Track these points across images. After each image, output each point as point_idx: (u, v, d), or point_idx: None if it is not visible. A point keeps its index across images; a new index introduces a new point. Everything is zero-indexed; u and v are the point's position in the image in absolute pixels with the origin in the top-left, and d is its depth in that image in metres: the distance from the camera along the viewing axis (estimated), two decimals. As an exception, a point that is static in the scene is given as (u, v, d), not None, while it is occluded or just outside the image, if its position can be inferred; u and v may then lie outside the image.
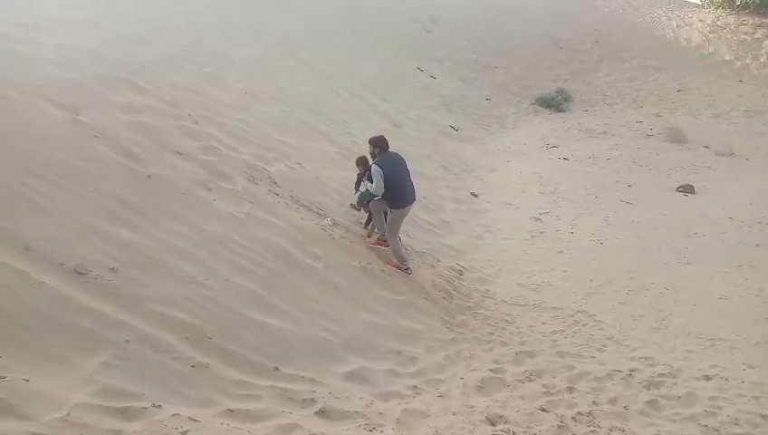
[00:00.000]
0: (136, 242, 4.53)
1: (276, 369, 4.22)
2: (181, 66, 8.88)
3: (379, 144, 6.90)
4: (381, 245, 7.10)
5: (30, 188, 4.35)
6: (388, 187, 6.67)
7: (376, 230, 7.21)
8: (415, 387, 4.83)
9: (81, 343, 3.48)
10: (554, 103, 20.04)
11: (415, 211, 9.18)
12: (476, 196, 11.58)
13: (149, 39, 9.30)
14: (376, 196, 6.72)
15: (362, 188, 7.01)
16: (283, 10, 16.88)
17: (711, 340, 6.59)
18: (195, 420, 3.32)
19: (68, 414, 2.94)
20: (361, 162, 7.54)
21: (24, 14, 7.62)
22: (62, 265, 3.87)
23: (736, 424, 4.95)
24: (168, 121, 6.73)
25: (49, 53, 6.67)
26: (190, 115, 7.19)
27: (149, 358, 3.65)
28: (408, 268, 7.02)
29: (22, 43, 6.61)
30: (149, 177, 5.44)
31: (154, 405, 3.29)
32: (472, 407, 4.61)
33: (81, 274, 3.90)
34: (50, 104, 5.56)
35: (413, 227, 8.59)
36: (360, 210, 7.50)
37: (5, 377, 2.95)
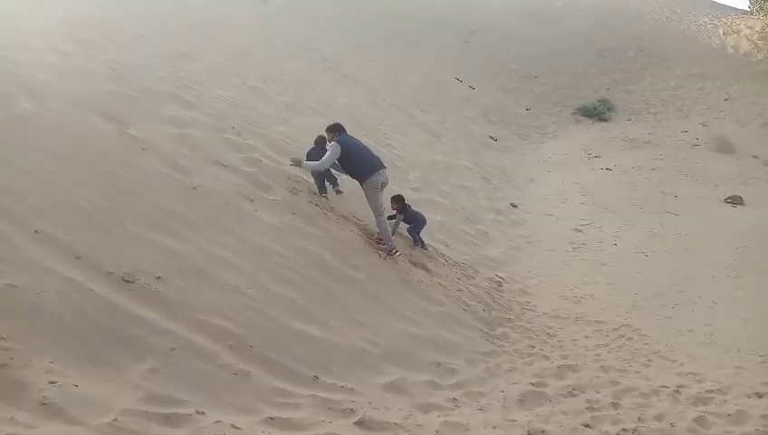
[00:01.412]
0: (181, 251, 4.64)
1: (316, 378, 4.25)
2: (225, 80, 9.10)
3: (336, 129, 6.94)
4: (386, 249, 6.86)
5: (82, 199, 4.51)
6: (348, 159, 6.72)
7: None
8: (454, 399, 4.78)
9: (128, 349, 3.57)
10: (597, 113, 19.74)
11: (454, 222, 9.17)
12: (516, 206, 11.47)
13: (196, 53, 9.56)
14: (322, 166, 6.73)
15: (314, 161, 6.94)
16: (327, 26, 17.15)
17: (762, 356, 6.34)
18: (237, 427, 3.37)
19: (115, 419, 3.01)
20: (320, 141, 7.36)
21: (80, 30, 7.94)
22: (111, 273, 3.99)
23: (791, 445, 4.74)
24: (212, 134, 6.90)
25: (101, 68, 6.93)
26: (233, 128, 7.35)
27: (193, 365, 3.72)
28: (393, 249, 6.87)
29: (76, 58, 6.89)
30: (195, 188, 5.57)
31: (198, 412, 3.35)
32: (513, 421, 4.54)
33: (128, 282, 4.01)
34: (101, 117, 5.77)
35: (452, 238, 8.56)
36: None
37: (56, 382, 3.05)
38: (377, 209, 6.85)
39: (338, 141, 6.74)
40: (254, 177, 6.50)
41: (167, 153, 5.85)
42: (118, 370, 3.42)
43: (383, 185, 6.93)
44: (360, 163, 6.80)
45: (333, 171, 7.26)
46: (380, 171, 6.84)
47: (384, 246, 6.84)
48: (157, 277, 4.20)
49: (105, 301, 3.75)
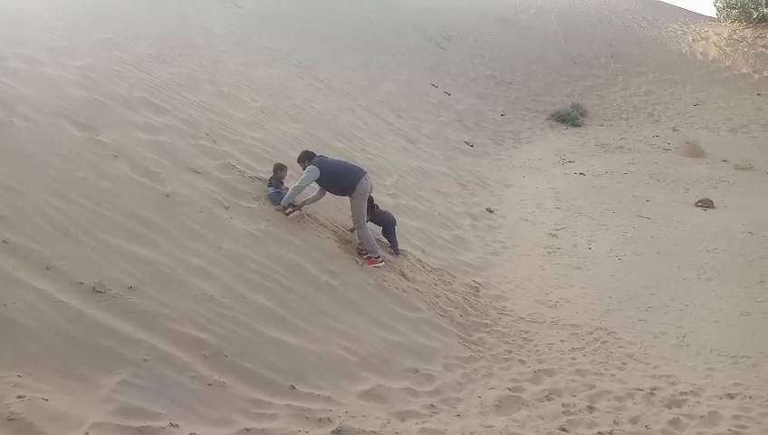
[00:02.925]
0: (154, 260, 4.57)
1: (293, 387, 4.21)
2: (199, 86, 9.01)
3: (306, 156, 6.90)
4: (375, 263, 6.86)
5: (52, 208, 4.42)
6: (331, 176, 6.69)
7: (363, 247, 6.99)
8: (432, 406, 4.78)
9: (99, 361, 3.50)
10: (570, 118, 20.01)
11: (431, 227, 9.19)
12: (492, 211, 11.54)
13: (169, 59, 9.46)
14: (297, 190, 6.58)
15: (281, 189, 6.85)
16: (302, 32, 17.10)
17: (733, 357, 6.46)
18: (212, 439, 3.32)
19: (86, 434, 2.95)
20: (279, 168, 7.08)
21: (55, 37, 7.79)
22: (82, 283, 3.92)
23: (762, 444, 4.83)
24: (185, 140, 6.82)
25: (72, 75, 6.82)
26: (207, 134, 7.28)
27: (167, 376, 3.66)
28: (378, 256, 6.88)
29: (47, 66, 6.76)
30: (168, 195, 5.50)
31: (171, 424, 3.29)
32: (490, 426, 4.56)
33: (99, 292, 3.94)
34: (71, 124, 5.67)
35: (429, 244, 8.58)
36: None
37: (25, 396, 2.98)
38: (361, 219, 6.83)
39: (314, 164, 6.69)
40: (228, 184, 6.44)
41: (139, 160, 5.77)
42: (89, 382, 3.35)
43: (371, 188, 6.93)
44: (345, 175, 6.77)
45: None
46: (365, 176, 6.84)
47: (366, 256, 6.83)
48: (129, 287, 4.13)
49: (75, 312, 3.68)
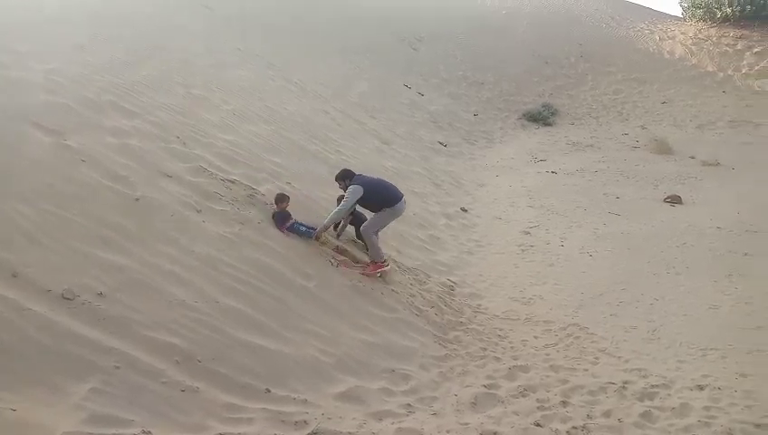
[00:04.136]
0: (124, 266, 4.51)
1: (268, 391, 4.19)
2: (169, 88, 8.90)
3: (347, 175, 7.12)
4: (381, 268, 6.98)
5: (18, 214, 4.33)
6: (373, 195, 6.91)
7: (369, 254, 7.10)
8: (408, 405, 4.80)
9: (69, 369, 3.44)
10: (541, 118, 20.24)
11: (406, 228, 9.21)
12: (466, 211, 11.62)
13: (138, 62, 9.32)
14: (342, 213, 6.89)
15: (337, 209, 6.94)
16: (273, 33, 17.01)
17: (703, 350, 6.60)
18: (186, 445, 3.29)
19: (56, 443, 2.90)
20: (281, 199, 6.88)
21: (17, 39, 7.63)
22: (50, 291, 3.85)
23: (730, 434, 4.95)
24: (156, 144, 6.73)
25: (38, 78, 6.68)
26: (178, 137, 7.20)
27: (139, 383, 3.61)
28: (385, 261, 7.03)
29: (12, 69, 6.62)
30: (138, 200, 5.43)
31: (144, 431, 3.25)
32: (466, 424, 4.59)
33: (68, 299, 3.87)
34: (38, 129, 5.55)
35: (404, 244, 8.60)
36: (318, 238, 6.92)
37: (-8, 407, 2.92)
38: (374, 228, 7.02)
39: (355, 183, 6.89)
40: (200, 187, 6.38)
41: (108, 164, 5.68)
42: (59, 391, 3.29)
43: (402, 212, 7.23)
44: (386, 192, 7.06)
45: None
46: (404, 199, 7.15)
47: (378, 268, 6.94)
48: (98, 294, 4.07)
49: (44, 320, 3.62)
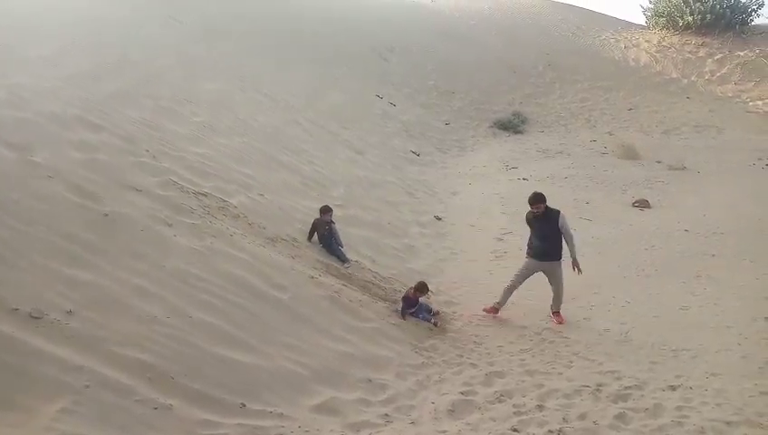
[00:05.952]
0: (93, 282, 4.42)
1: (243, 406, 4.14)
2: (137, 101, 8.79)
3: (544, 198, 7.55)
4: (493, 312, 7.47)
5: (-20, 232, 4.22)
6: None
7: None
8: (386, 415, 4.78)
9: (38, 390, 3.36)
10: (511, 126, 20.48)
11: (380, 237, 9.22)
12: (440, 219, 11.67)
13: (106, 75, 9.19)
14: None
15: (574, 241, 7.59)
16: (243, 45, 16.92)
17: (674, 350, 6.71)
18: (159, 463, 3.23)
19: (25, 466, 2.82)
20: (325, 209, 7.61)
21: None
22: (17, 309, 3.75)
23: (702, 433, 5.02)
24: (124, 158, 6.64)
25: (1, 93, 6.54)
26: (147, 151, 7.11)
27: (110, 402, 3.54)
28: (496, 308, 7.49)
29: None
30: (106, 215, 5.34)
31: (116, 451, 3.18)
32: (444, 432, 4.59)
33: (36, 318, 3.78)
34: (2, 145, 5.43)
35: (378, 253, 8.60)
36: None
37: (-44, 431, 2.83)
38: (520, 278, 7.58)
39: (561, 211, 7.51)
40: (171, 201, 6.30)
41: (74, 179, 5.58)
42: (27, 412, 3.21)
43: None
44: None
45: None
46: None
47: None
48: (67, 311, 3.98)
49: (11, 339, 3.52)
